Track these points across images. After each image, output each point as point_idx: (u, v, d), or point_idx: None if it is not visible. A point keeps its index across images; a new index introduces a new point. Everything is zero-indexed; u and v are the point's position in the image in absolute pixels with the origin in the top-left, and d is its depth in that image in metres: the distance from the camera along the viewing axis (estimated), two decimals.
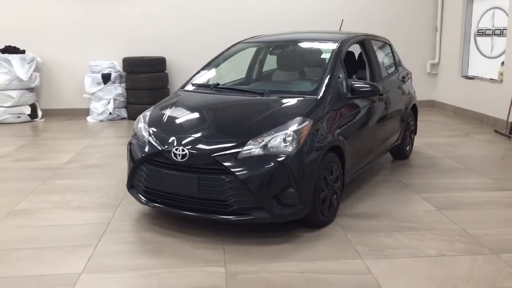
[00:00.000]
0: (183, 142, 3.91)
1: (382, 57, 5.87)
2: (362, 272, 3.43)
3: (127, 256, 3.73)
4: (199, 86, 4.96)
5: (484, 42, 9.25)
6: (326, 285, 3.27)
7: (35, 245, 3.91)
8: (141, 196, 4.18)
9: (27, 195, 5.07)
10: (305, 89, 4.53)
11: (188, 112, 4.43)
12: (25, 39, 9.59)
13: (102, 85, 9.46)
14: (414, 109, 6.46)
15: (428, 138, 7.64)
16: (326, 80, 4.43)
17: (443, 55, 10.48)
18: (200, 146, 3.88)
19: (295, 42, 5.51)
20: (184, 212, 3.96)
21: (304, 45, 5.41)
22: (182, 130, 4.11)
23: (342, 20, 6.46)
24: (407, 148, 6.35)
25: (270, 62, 5.54)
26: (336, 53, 4.76)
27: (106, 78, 9.45)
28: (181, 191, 3.90)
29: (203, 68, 5.29)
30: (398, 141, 5.96)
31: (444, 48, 10.43)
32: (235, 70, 5.37)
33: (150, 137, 4.14)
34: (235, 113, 4.30)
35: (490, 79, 8.83)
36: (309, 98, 4.29)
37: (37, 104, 9.74)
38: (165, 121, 4.28)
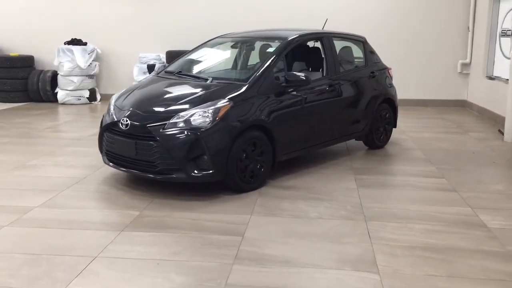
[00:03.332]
0: (128, 115, 4.95)
1: (346, 53, 6.47)
2: (240, 223, 4.22)
3: (77, 200, 4.82)
4: (169, 72, 5.96)
5: (506, 42, 9.29)
6: (203, 228, 4.12)
7: (20, 187, 5.17)
8: (105, 157, 5.29)
9: (41, 156, 6.39)
10: (240, 77, 5.36)
11: (144, 92, 5.44)
12: (88, 33, 11.26)
13: (147, 74, 10.78)
14: (391, 103, 6.93)
15: (422, 133, 8.00)
16: (259, 71, 5.22)
17: (474, 55, 10.55)
18: (139, 118, 4.88)
19: (257, 38, 6.31)
20: (127, 169, 5.00)
21: (263, 41, 6.19)
22: (131, 105, 5.11)
23: (326, 19, 7.10)
24: (381, 138, 6.86)
25: (234, 55, 6.40)
26: (277, 49, 5.51)
27: (150, 68, 10.76)
28: (125, 153, 4.94)
29: (180, 57, 6.28)
30: (364, 131, 6.53)
31: (474, 48, 10.51)
32: (205, 60, 6.27)
33: (112, 111, 5.23)
34: (177, 93, 5.23)
35: (506, 79, 8.89)
36: (239, 84, 5.12)
37: (96, 89, 11.35)
38: (125, 98, 5.33)
